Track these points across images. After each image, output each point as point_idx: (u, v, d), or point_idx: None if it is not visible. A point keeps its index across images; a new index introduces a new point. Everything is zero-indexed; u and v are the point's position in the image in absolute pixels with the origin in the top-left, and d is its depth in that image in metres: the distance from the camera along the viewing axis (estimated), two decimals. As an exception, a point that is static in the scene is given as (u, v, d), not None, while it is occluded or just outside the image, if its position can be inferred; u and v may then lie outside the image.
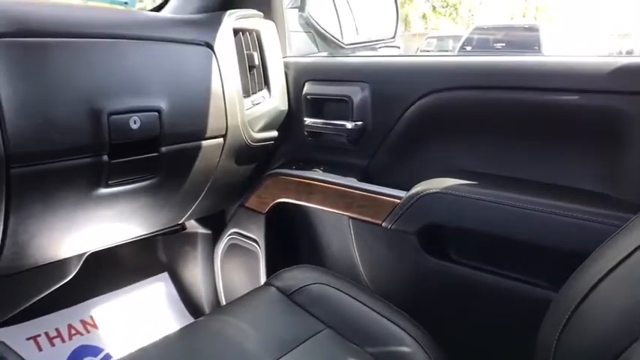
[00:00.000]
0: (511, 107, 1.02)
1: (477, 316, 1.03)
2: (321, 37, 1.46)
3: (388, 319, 0.92)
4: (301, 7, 1.41)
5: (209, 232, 1.54)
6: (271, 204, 1.31)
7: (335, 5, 1.71)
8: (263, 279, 1.36)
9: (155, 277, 1.63)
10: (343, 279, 1.03)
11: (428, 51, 13.75)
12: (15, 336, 1.26)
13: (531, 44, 9.17)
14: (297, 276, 1.04)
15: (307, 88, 1.27)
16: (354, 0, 1.82)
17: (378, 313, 0.94)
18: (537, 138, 1.02)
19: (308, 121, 1.27)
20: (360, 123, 1.17)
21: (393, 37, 1.56)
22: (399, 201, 1.05)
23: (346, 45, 1.49)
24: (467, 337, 1.05)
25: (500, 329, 0.99)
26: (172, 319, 1.57)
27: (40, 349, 1.29)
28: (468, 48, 10.10)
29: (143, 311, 1.54)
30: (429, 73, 1.10)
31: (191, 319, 1.59)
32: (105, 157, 0.93)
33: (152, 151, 1.01)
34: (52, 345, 1.31)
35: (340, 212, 1.17)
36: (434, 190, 1.01)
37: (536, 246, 0.92)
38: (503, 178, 1.05)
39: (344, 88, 1.19)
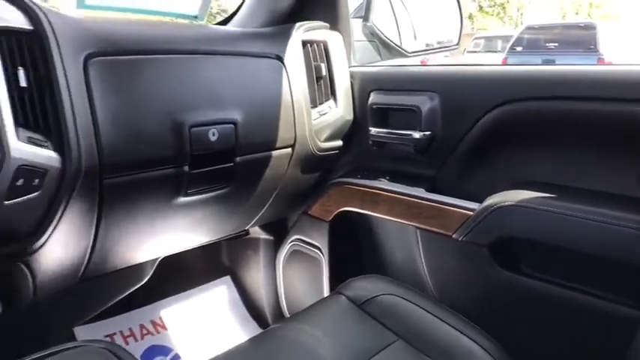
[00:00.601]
0: (585, 118, 0.99)
1: (553, 331, 1.01)
2: (385, 46, 1.47)
3: (460, 332, 0.92)
4: (365, 17, 1.42)
5: (271, 238, 1.57)
6: (335, 212, 1.33)
7: (394, 12, 1.71)
8: (326, 286, 1.38)
9: (218, 280, 1.68)
10: (413, 290, 1.03)
11: (475, 52, 13.45)
12: (93, 334, 1.33)
13: (587, 43, 8.79)
14: (366, 286, 1.05)
15: (373, 97, 1.28)
16: (413, 5, 1.82)
17: (450, 325, 0.93)
18: (613, 149, 0.99)
19: (373, 130, 1.28)
20: (428, 133, 1.17)
21: (457, 44, 1.54)
22: (470, 213, 1.04)
23: (410, 53, 1.49)
24: (540, 352, 1.02)
25: (580, 347, 0.97)
26: (235, 321, 1.61)
27: (116, 348, 1.36)
28: (519, 49, 9.80)
29: (207, 313, 1.59)
30: (501, 83, 1.09)
31: (253, 322, 1.63)
32: (186, 168, 0.97)
33: (228, 162, 1.05)
34: (127, 344, 1.38)
35: (407, 222, 1.18)
36: (509, 203, 1.00)
37: (618, 262, 0.89)
38: (578, 190, 1.02)
39: (412, 97, 1.20)
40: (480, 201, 1.06)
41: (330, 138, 1.28)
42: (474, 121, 1.09)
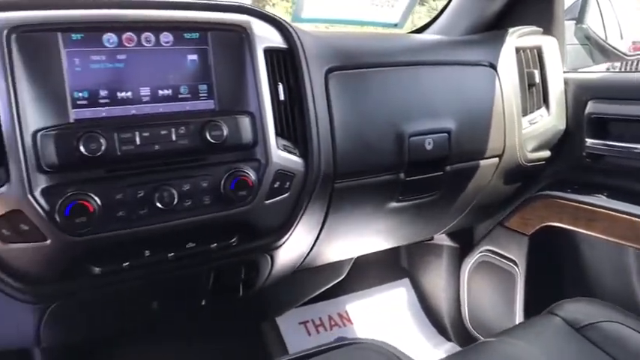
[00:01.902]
0: None
1: None
2: (600, 49, 1.35)
3: None
4: (580, 19, 1.32)
5: (457, 245, 1.55)
6: (538, 226, 1.26)
7: (600, 11, 1.56)
8: (519, 302, 1.33)
9: (397, 282, 1.71)
10: (638, 319, 0.94)
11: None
12: (290, 319, 1.46)
13: None
14: (583, 309, 0.98)
15: (591, 106, 1.18)
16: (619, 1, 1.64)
17: None
18: None
19: (589, 141, 1.18)
20: (662, 148, 1.05)
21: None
22: None
23: (629, 55, 1.35)
24: None
25: None
26: (413, 324, 1.63)
27: (309, 334, 1.47)
28: None
29: (387, 312, 1.63)
30: None
31: (431, 327, 1.64)
32: (402, 175, 1.01)
33: (439, 170, 1.06)
34: (317, 332, 1.48)
35: (628, 244, 1.07)
36: None
37: None
38: None
39: (641, 108, 1.08)
40: None
41: (538, 148, 1.22)
42: None
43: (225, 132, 0.75)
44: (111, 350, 1.16)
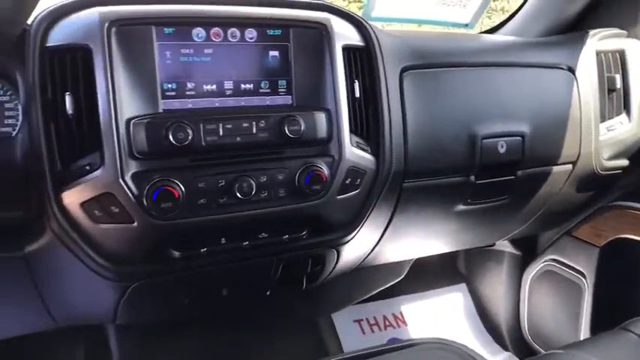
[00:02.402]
0: None
1: None
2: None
3: None
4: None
5: (519, 253, 1.51)
6: (610, 238, 1.21)
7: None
8: (585, 315, 1.28)
9: (453, 286, 1.68)
10: None
11: None
12: (345, 316, 1.46)
13: None
14: None
15: (677, 115, 1.12)
16: None
17: None
18: None
19: (674, 151, 1.12)
20: None
21: None
22: None
23: None
24: None
25: None
26: (469, 330, 1.60)
27: (363, 333, 1.47)
28: None
29: (442, 316, 1.61)
30: None
31: (486, 335, 1.60)
32: (472, 178, 0.99)
33: (510, 174, 1.04)
34: (372, 331, 1.48)
35: None
36: None
37: None
38: None
39: None
40: None
41: (615, 156, 1.17)
42: None
43: (303, 127, 0.77)
44: (176, 334, 1.21)
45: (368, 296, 1.41)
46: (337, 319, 1.45)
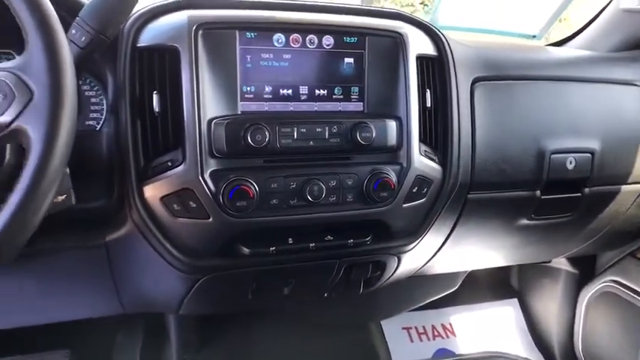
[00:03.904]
0: None
1: None
2: None
3: None
4: None
5: (576, 271, 1.46)
6: (679, 262, 1.16)
7: None
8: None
9: (505, 300, 1.65)
10: None
11: None
12: (394, 323, 1.46)
13: None
14: None
15: None
16: None
17: None
18: None
19: None
20: None
21: None
22: None
23: None
24: None
25: None
26: (519, 346, 1.57)
27: (411, 341, 1.47)
28: None
29: (492, 330, 1.58)
30: None
31: (537, 352, 1.57)
32: (538, 193, 0.98)
33: (577, 191, 1.01)
34: (420, 340, 1.48)
35: None
36: None
37: None
38: None
39: None
40: None
41: (688, 178, 1.12)
42: None
43: (374, 134, 0.78)
44: (230, 325, 1.25)
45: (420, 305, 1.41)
46: (386, 325, 1.45)
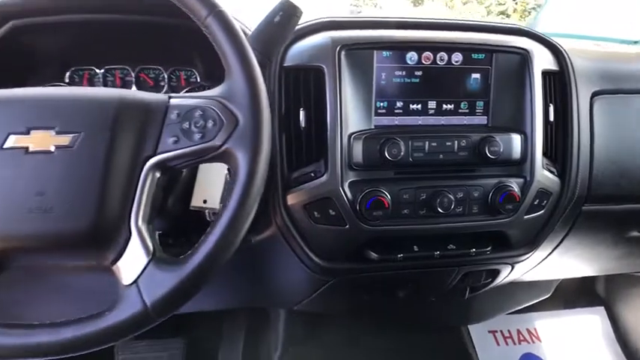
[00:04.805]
0: None
1: None
2: None
3: None
4: None
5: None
6: None
7: None
8: None
9: (591, 308, 1.63)
10: None
11: None
12: (481, 325, 1.48)
13: None
14: None
15: None
16: None
17: None
18: None
19: None
20: None
21: None
22: None
23: None
24: None
25: None
26: (607, 355, 1.55)
27: (497, 344, 1.49)
28: None
29: (577, 338, 1.57)
30: None
31: (625, 362, 1.55)
32: None
33: None
34: (506, 344, 1.49)
35: None
36: None
37: None
38: None
39: None
40: None
41: None
42: None
43: (501, 148, 0.81)
44: (332, 322, 1.31)
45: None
46: (473, 327, 1.47)
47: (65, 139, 0.51)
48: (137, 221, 0.52)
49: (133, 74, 0.90)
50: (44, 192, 0.50)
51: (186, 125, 0.54)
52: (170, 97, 0.56)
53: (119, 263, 0.52)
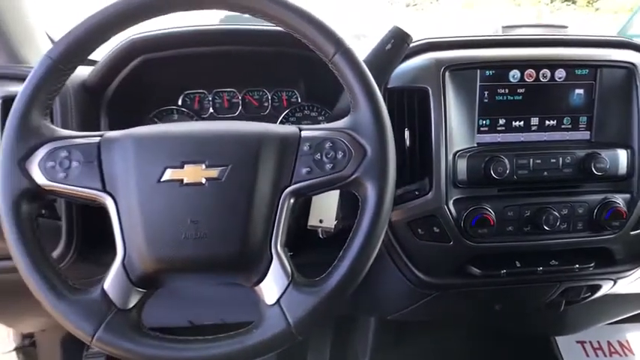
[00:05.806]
0: None
1: None
2: None
3: None
4: None
5: None
6: None
7: None
8: None
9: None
10: None
11: None
12: (569, 337, 1.45)
13: None
14: None
15: None
16: None
17: None
18: None
19: None
20: None
21: None
22: None
23: None
24: None
25: None
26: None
27: (587, 355, 1.45)
28: None
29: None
30: None
31: None
32: None
33: None
34: (596, 355, 1.45)
35: None
36: None
37: None
38: None
39: None
40: None
41: None
42: None
43: (608, 164, 0.80)
44: (422, 329, 1.33)
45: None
46: (560, 337, 1.44)
47: (214, 172, 0.56)
48: (277, 246, 0.57)
49: (239, 96, 0.96)
50: (197, 220, 0.55)
51: (317, 156, 0.58)
52: (301, 130, 0.60)
53: (262, 284, 0.57)
